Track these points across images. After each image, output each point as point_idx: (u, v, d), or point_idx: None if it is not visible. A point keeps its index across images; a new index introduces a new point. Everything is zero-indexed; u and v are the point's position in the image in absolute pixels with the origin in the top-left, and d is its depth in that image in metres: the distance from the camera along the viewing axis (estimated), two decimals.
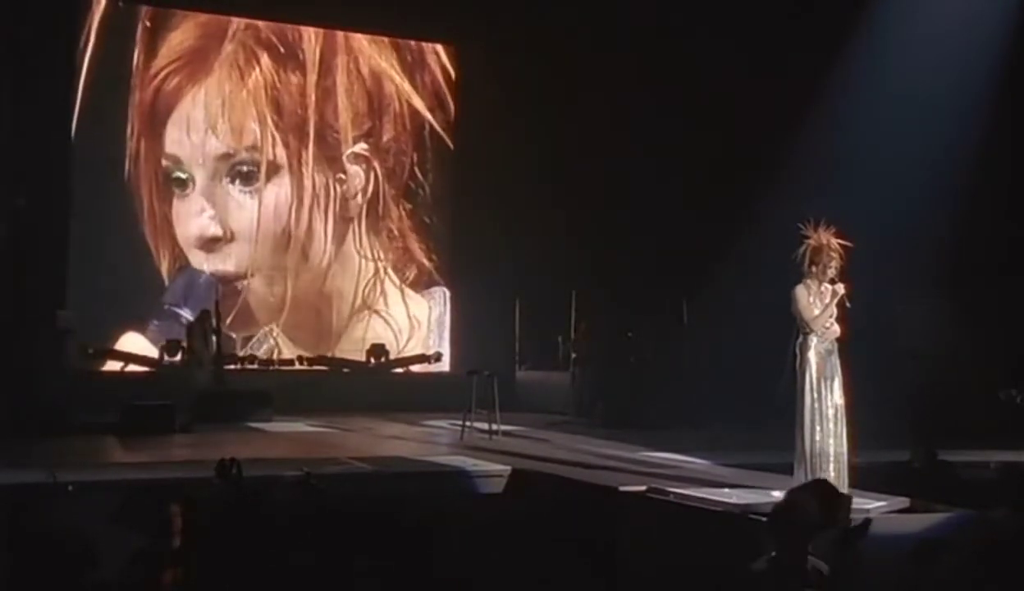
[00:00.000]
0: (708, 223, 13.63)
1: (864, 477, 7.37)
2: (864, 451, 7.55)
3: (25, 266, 13.05)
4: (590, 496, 7.92)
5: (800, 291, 7.11)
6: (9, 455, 8.67)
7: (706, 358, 13.38)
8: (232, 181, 14.93)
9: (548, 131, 14.76)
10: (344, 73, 15.59)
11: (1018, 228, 12.61)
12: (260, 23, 15.16)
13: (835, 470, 7.00)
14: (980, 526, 5.25)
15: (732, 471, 8.69)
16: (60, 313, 13.09)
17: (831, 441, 7.02)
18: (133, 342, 14.26)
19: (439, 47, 16.13)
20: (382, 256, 15.82)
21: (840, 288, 7.09)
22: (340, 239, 15.59)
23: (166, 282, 14.54)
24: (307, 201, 15.39)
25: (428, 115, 16.03)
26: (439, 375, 15.64)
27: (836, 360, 7.15)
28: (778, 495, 6.90)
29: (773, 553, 4.99)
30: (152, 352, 14.24)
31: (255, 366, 14.85)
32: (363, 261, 15.70)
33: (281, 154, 15.23)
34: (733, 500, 7.07)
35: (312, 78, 15.43)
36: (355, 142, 15.70)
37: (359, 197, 15.71)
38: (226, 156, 14.91)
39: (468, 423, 11.34)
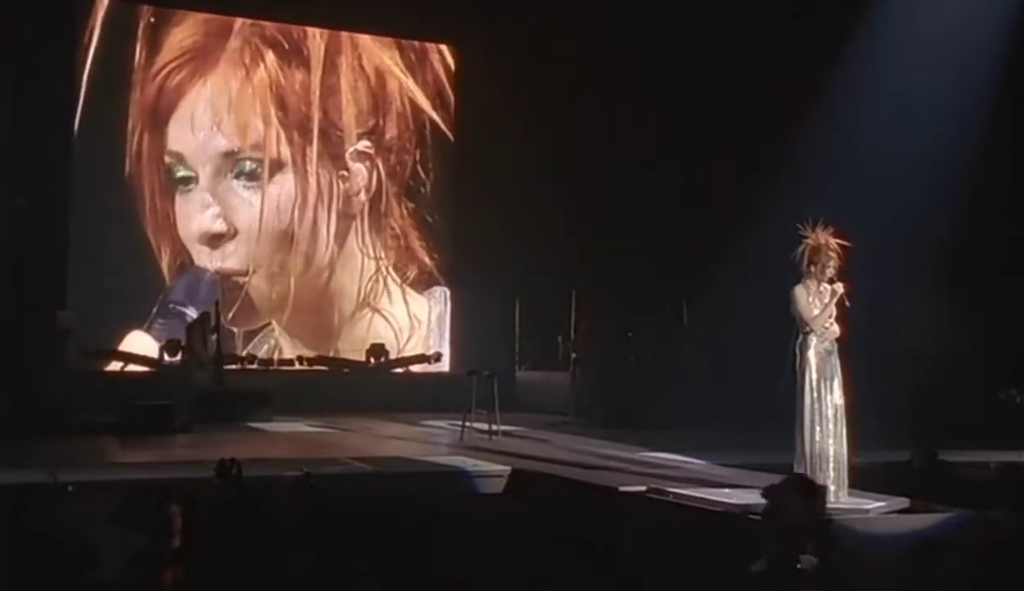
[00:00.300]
0: (708, 223, 13.63)
1: (864, 477, 7.37)
2: (864, 451, 7.54)
3: (25, 266, 13.04)
4: (590, 496, 7.92)
5: (799, 291, 7.11)
6: (9, 455, 8.66)
7: (706, 358, 13.38)
8: (236, 178, 14.93)
9: (548, 131, 14.76)
10: (348, 71, 15.60)
11: (1018, 228, 12.61)
12: (264, 20, 15.15)
13: (835, 470, 7.00)
14: (980, 526, 5.26)
15: (732, 471, 8.69)
16: (60, 313, 13.08)
17: (831, 441, 7.02)
18: (138, 340, 14.24)
19: (442, 46, 16.14)
20: (383, 254, 15.82)
21: (839, 287, 7.09)
22: (342, 237, 15.59)
23: (167, 279, 14.53)
24: (311, 198, 15.40)
25: (431, 113, 16.04)
26: (439, 375, 15.63)
27: (836, 360, 7.15)
28: None
29: (773, 553, 5.00)
30: (155, 351, 14.23)
31: (255, 366, 14.84)
32: (365, 259, 15.71)
33: (285, 151, 15.24)
34: (733, 500, 7.06)
35: (316, 75, 15.42)
36: (358, 139, 15.71)
37: (362, 195, 15.72)
38: (230, 153, 14.91)
39: (468, 423, 11.34)
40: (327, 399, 13.79)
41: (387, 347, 15.62)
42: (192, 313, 14.15)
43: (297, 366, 15.13)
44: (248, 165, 15.00)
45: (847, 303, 7.11)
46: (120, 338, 14.17)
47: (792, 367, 7.18)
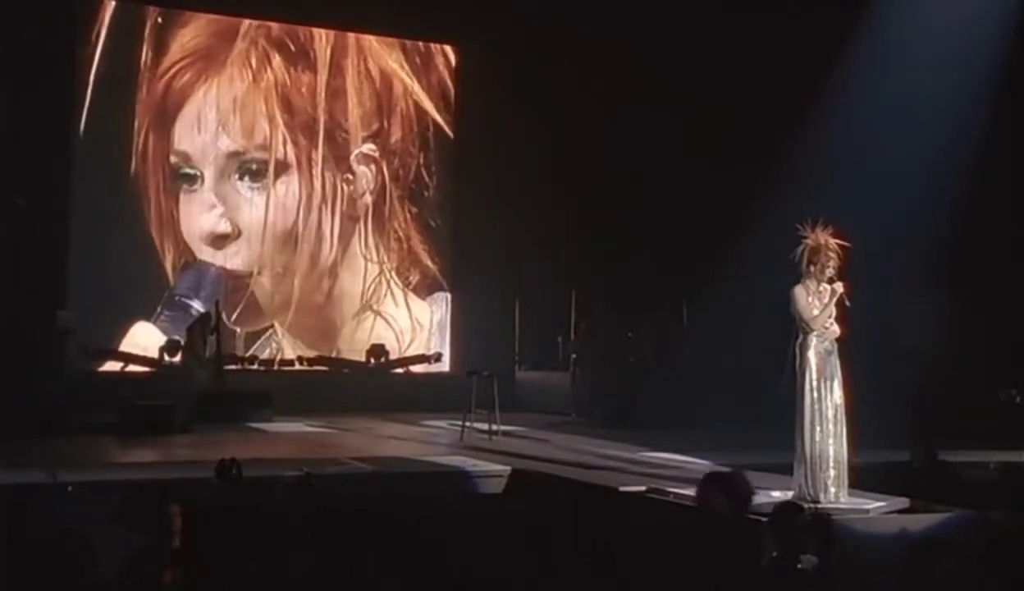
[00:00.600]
0: (708, 223, 13.63)
1: (864, 477, 7.38)
2: (864, 451, 7.55)
3: (25, 266, 13.04)
4: (590, 496, 7.93)
5: (799, 291, 7.12)
6: (9, 455, 8.66)
7: (706, 358, 13.37)
8: (241, 178, 14.94)
9: (549, 131, 14.75)
10: (354, 73, 15.61)
11: (1018, 228, 12.61)
12: (271, 22, 15.15)
13: (835, 470, 7.01)
14: (980, 526, 5.27)
15: None
16: (60, 313, 13.07)
17: (831, 441, 7.02)
18: (145, 332, 14.23)
19: (448, 48, 16.14)
20: (387, 258, 15.83)
21: (839, 287, 7.10)
22: (346, 239, 15.59)
23: (170, 278, 14.53)
24: (315, 200, 15.41)
25: (435, 115, 16.03)
26: (439, 375, 15.63)
27: (836, 360, 7.16)
28: (778, 495, 6.92)
29: (773, 553, 5.00)
30: (160, 343, 14.22)
31: (255, 366, 14.85)
32: (368, 262, 15.72)
33: (291, 152, 15.25)
34: None
35: (322, 77, 15.44)
36: (363, 142, 15.72)
37: (366, 197, 15.73)
38: (236, 153, 14.92)
39: (468, 423, 11.34)
40: (327, 399, 13.79)
41: (387, 348, 15.62)
42: (197, 306, 14.19)
43: (297, 366, 15.13)
44: (253, 166, 15.01)
45: (847, 303, 7.12)
46: (124, 333, 14.14)
47: (792, 367, 7.19)
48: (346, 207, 15.59)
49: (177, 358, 13.86)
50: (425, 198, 16.06)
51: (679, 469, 8.94)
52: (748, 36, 13.20)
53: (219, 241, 14.79)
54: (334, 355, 15.45)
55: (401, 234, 15.91)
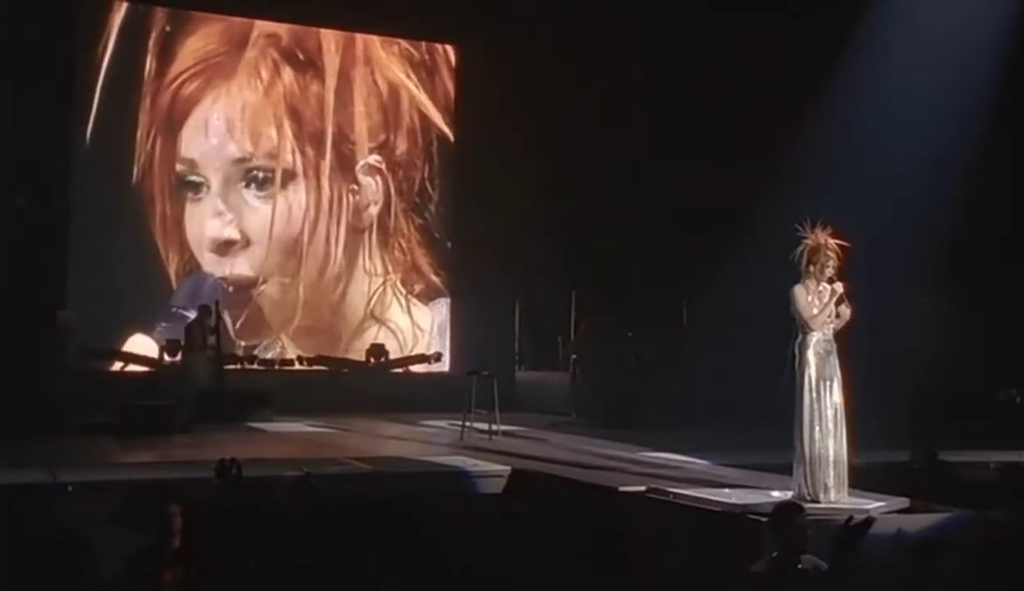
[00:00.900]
0: (708, 223, 13.63)
1: (864, 477, 7.37)
2: (864, 451, 7.54)
3: (25, 266, 13.03)
4: (590, 496, 7.93)
5: (799, 291, 7.11)
6: (9, 455, 8.66)
7: (706, 358, 13.38)
8: (247, 186, 14.94)
9: (549, 131, 14.75)
10: (362, 84, 15.61)
11: (1018, 228, 12.61)
12: (281, 31, 15.16)
13: (835, 470, 7.00)
14: (980, 526, 5.27)
15: (732, 471, 8.69)
16: (60, 313, 13.08)
17: (830, 441, 7.02)
18: (141, 344, 14.25)
19: (451, 54, 16.13)
20: (391, 269, 15.82)
21: (839, 287, 7.09)
22: (351, 249, 15.59)
23: (174, 285, 14.53)
24: (322, 210, 15.41)
25: (440, 124, 16.02)
26: (439, 375, 15.64)
27: (835, 360, 7.15)
28: (778, 495, 6.92)
29: (774, 553, 5.00)
30: (154, 353, 14.23)
31: (255, 366, 14.85)
32: (372, 273, 15.71)
33: (298, 162, 15.27)
34: (733, 500, 7.07)
35: (331, 87, 15.44)
36: (370, 153, 15.72)
37: (371, 209, 15.73)
38: (242, 161, 14.93)
39: (468, 423, 11.34)
40: (327, 399, 13.80)
41: (387, 348, 15.62)
42: (193, 316, 14.15)
43: (297, 366, 15.13)
44: (260, 174, 15.01)
45: (846, 302, 7.11)
46: (122, 340, 14.17)
47: (792, 367, 7.18)
48: (352, 218, 15.58)
49: (177, 358, 13.86)
50: (429, 211, 16.05)
51: (679, 469, 8.95)
52: (748, 36, 13.20)
53: (224, 248, 14.79)
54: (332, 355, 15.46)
55: (405, 247, 15.91)
